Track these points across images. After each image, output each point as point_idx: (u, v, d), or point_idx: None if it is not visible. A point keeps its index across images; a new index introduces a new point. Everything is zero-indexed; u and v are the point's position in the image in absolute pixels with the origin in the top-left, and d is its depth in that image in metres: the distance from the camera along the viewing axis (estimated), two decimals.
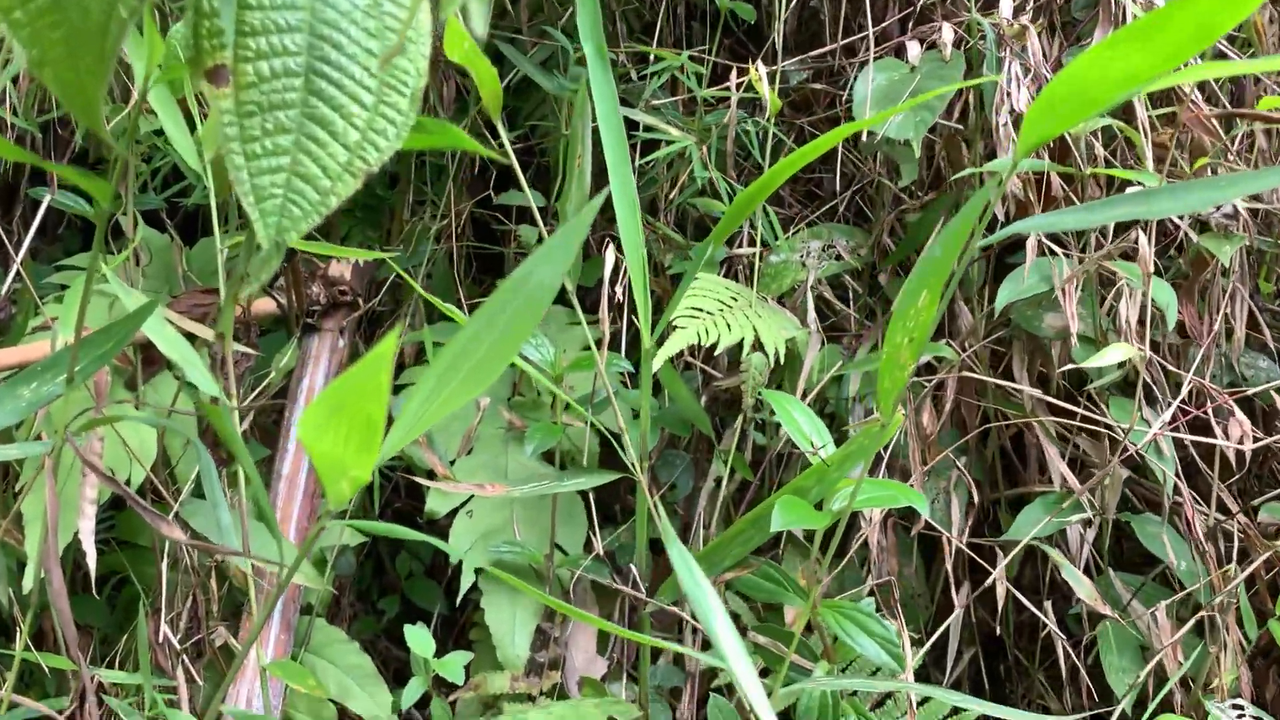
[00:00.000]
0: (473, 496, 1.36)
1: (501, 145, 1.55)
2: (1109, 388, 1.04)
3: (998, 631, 1.14)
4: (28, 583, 1.14)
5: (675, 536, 0.47)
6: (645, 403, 0.89)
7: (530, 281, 0.52)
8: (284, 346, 1.43)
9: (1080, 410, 0.99)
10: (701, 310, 1.12)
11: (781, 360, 1.11)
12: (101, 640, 1.31)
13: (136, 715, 1.15)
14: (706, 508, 1.29)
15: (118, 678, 1.17)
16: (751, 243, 1.35)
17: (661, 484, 1.34)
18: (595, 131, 0.92)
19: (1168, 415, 0.94)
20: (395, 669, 1.69)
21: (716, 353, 1.07)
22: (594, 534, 1.29)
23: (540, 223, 0.95)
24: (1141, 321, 1.00)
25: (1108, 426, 1.00)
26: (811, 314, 1.18)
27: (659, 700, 1.26)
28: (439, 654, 1.60)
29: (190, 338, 1.27)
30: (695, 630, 1.36)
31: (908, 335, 0.66)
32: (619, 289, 1.12)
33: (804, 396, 1.18)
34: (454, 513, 1.36)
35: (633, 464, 0.91)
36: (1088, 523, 1.10)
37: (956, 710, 0.98)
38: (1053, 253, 1.01)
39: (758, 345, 1.12)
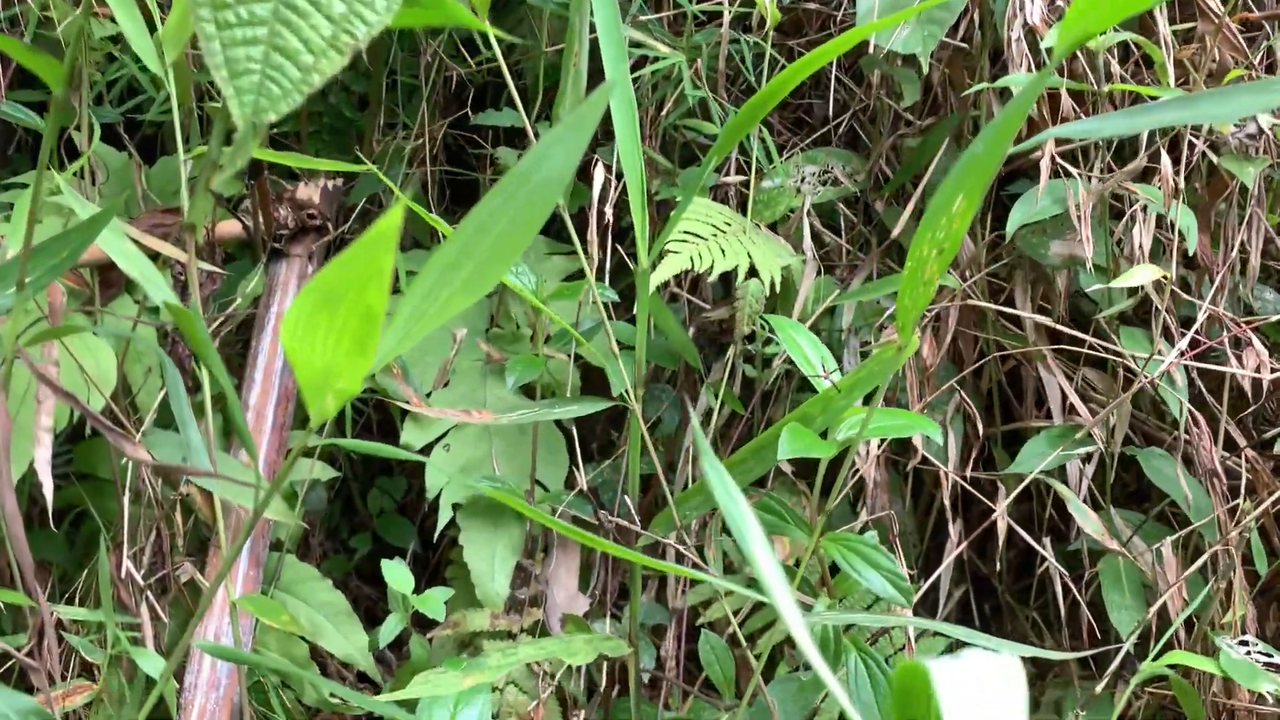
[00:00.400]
0: (450, 430, 1.31)
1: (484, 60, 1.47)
2: (1117, 318, 1.00)
3: (998, 568, 1.12)
4: None
5: (708, 448, 0.42)
6: (642, 326, 0.84)
7: (540, 170, 0.46)
8: (250, 273, 1.36)
9: (1089, 339, 0.95)
10: (694, 235, 1.07)
11: (778, 288, 1.06)
12: (60, 576, 1.26)
13: (99, 653, 1.10)
14: (693, 444, 1.25)
15: (78, 614, 1.11)
16: (741, 169, 1.30)
17: (647, 419, 1.29)
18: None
19: (1184, 344, 0.91)
20: (366, 608, 1.64)
21: (710, 279, 1.02)
22: (577, 469, 1.24)
23: (531, 135, 0.89)
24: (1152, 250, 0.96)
25: (1117, 355, 0.96)
26: (808, 240, 1.13)
27: (643, 637, 1.23)
28: (414, 593, 1.56)
29: (152, 258, 1.20)
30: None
31: (937, 246, 0.61)
32: (607, 210, 1.07)
33: None
34: (430, 446, 1.31)
35: (626, 392, 0.86)
36: (1086, 458, 1.07)
37: (958, 644, 0.95)
38: (1067, 174, 0.97)
39: (752, 273, 1.07)
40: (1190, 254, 0.91)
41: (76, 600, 1.17)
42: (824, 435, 0.81)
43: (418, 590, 1.57)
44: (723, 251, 1.05)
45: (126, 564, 1.13)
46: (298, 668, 1.21)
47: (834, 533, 0.81)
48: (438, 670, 0.71)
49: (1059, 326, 0.96)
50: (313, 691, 1.21)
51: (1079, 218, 0.90)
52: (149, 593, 1.13)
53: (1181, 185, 0.92)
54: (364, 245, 0.35)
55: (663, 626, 1.27)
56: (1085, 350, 1.01)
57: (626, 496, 0.87)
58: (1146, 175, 1.01)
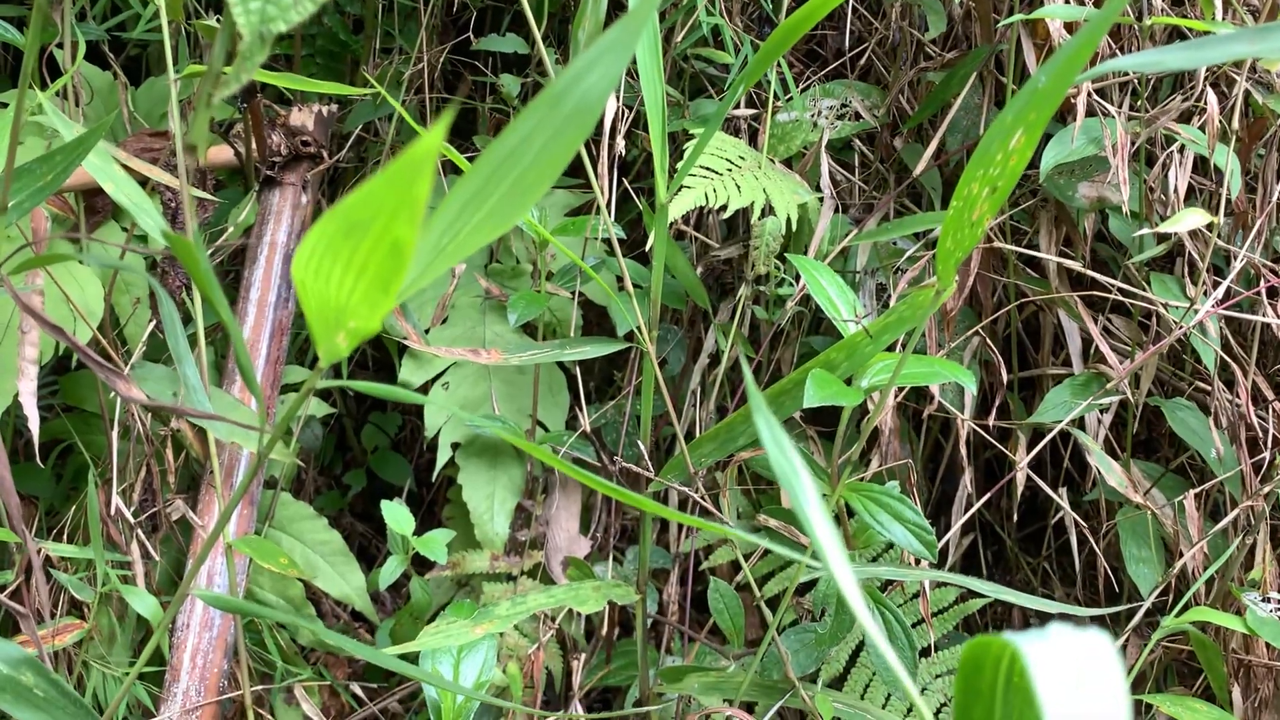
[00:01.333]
0: (449, 368, 1.28)
1: None
2: (1146, 264, 0.97)
3: (1009, 517, 1.10)
4: None
5: (753, 382, 0.39)
6: (659, 263, 0.80)
7: (577, 91, 0.42)
8: (241, 201, 1.31)
9: (1118, 284, 0.92)
10: (709, 170, 1.02)
11: (794, 226, 1.02)
12: (47, 510, 1.22)
13: (88, 590, 1.07)
14: (700, 386, 1.22)
15: (67, 551, 1.08)
16: (753, 102, 1.25)
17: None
18: None
19: (1220, 292, 0.87)
20: (360, 545, 1.62)
21: (726, 215, 0.98)
22: (579, 410, 1.21)
23: (548, 62, 0.84)
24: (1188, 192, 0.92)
25: (1146, 302, 0.93)
26: (825, 177, 1.08)
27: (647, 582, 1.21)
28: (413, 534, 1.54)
29: (141, 184, 1.15)
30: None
31: (989, 184, 0.58)
32: (619, 142, 1.02)
33: None
34: (429, 384, 1.28)
35: (638, 330, 0.83)
36: (1103, 408, 1.04)
37: (968, 596, 0.93)
38: (1104, 113, 0.93)
39: (768, 211, 1.03)
40: (1232, 199, 0.88)
41: (65, 537, 1.14)
42: (848, 382, 0.78)
43: (415, 531, 1.55)
44: (738, 187, 1.01)
45: (116, 500, 1.10)
46: (293, 608, 1.19)
47: (854, 483, 0.78)
48: (446, 620, 0.68)
49: (1087, 271, 0.93)
50: (307, 633, 1.19)
51: (1117, 159, 0.86)
52: (139, 530, 1.10)
53: (1227, 127, 0.88)
54: (396, 171, 0.31)
55: (664, 570, 1.25)
56: (1112, 296, 0.98)
57: (640, 443, 0.84)
58: (1181, 116, 0.97)
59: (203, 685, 1.06)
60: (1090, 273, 0.92)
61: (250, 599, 1.19)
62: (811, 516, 0.37)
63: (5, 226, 0.70)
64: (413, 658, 0.72)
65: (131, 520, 1.10)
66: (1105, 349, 0.91)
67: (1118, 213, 1.00)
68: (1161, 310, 0.90)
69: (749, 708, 0.89)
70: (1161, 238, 0.92)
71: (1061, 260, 0.94)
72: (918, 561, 0.94)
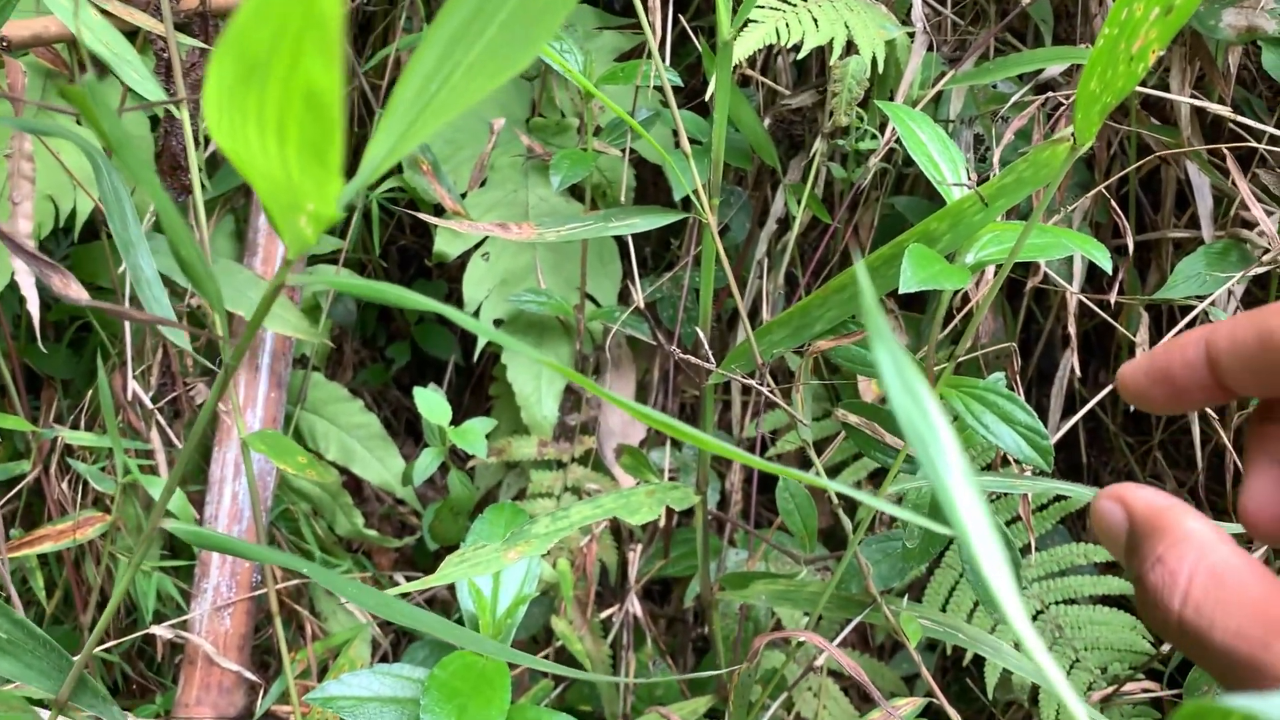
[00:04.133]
0: (489, 237, 1.16)
1: None
2: None
3: (1131, 408, 0.97)
4: None
5: (874, 298, 0.26)
6: (722, 112, 0.66)
7: None
8: None
9: (1271, 129, 0.76)
10: (780, 1, 0.87)
11: (880, 67, 0.87)
12: (66, 393, 1.15)
13: (108, 481, 1.00)
14: (768, 255, 1.09)
15: (85, 439, 1.00)
16: None
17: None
18: None
19: None
20: (407, 421, 1.54)
21: (801, 55, 0.83)
22: (632, 283, 1.09)
23: None
24: None
25: None
26: (917, 7, 0.92)
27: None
28: (455, 409, 1.45)
29: (132, 37, 1.03)
30: (745, 400, 1.19)
31: (1162, 5, 0.43)
32: None
33: None
34: (467, 255, 1.17)
35: (695, 195, 0.70)
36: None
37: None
38: None
39: (850, 48, 0.87)
40: None
41: (83, 423, 1.06)
42: (949, 258, 0.65)
43: (458, 407, 1.46)
44: (815, 21, 0.85)
45: (133, 385, 1.01)
46: (329, 495, 1.12)
47: (955, 378, 0.66)
48: (475, 545, 0.58)
49: (1235, 116, 0.77)
50: (345, 522, 1.11)
51: None
52: (159, 416, 1.02)
53: None
54: None
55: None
56: (1263, 147, 0.82)
57: (698, 329, 0.72)
58: None
59: (234, 580, 1.00)
60: (1240, 117, 0.76)
61: (284, 487, 1.11)
62: (960, 505, 0.25)
63: None
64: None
65: (150, 405, 1.02)
66: (1258, 210, 0.77)
67: (1274, 45, 0.83)
68: None
69: (815, 622, 0.79)
70: None
71: (1206, 103, 0.78)
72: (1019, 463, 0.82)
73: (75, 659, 0.51)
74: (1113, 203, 0.83)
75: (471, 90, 0.36)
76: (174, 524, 0.47)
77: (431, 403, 0.91)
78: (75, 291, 0.45)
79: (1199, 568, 0.31)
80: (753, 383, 0.70)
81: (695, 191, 0.69)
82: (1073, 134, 0.53)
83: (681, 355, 0.71)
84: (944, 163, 0.65)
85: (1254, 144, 0.81)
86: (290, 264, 0.42)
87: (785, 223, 1.11)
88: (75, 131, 0.51)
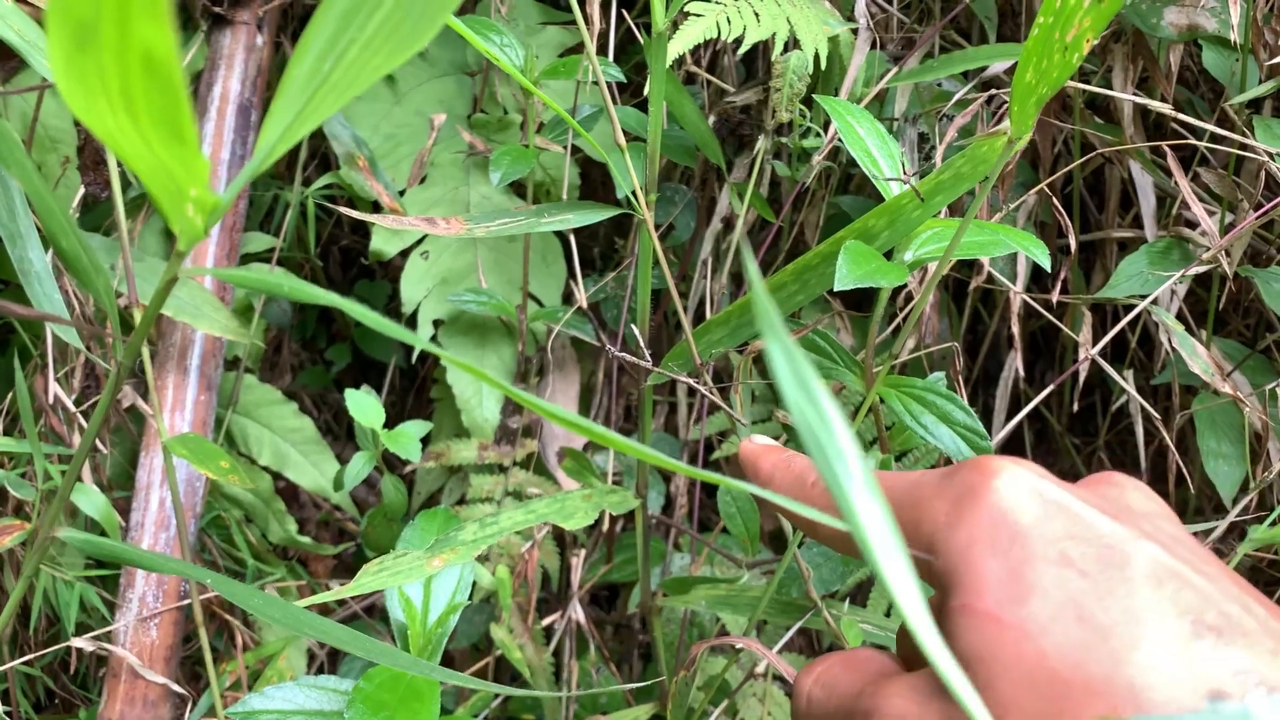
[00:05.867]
0: (429, 235, 1.13)
1: None
2: (1247, 107, 0.81)
3: (1075, 407, 0.96)
4: None
5: (757, 269, 0.25)
6: (656, 107, 0.64)
7: None
8: (187, 43, 1.14)
9: (1212, 127, 0.75)
10: None
11: (823, 63, 0.85)
12: None
13: (28, 488, 0.96)
14: (712, 254, 1.07)
15: (2, 444, 0.97)
16: None
17: (658, 225, 1.11)
18: None
19: None
20: (348, 425, 1.51)
21: (742, 50, 0.82)
22: (575, 283, 1.07)
23: None
24: None
25: (1244, 150, 0.77)
26: (861, 4, 0.91)
27: (651, 475, 1.09)
28: (399, 412, 1.42)
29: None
30: (690, 402, 1.17)
31: None
32: None
33: None
34: (408, 254, 1.14)
35: (633, 195, 0.68)
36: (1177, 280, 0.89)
37: None
38: None
39: (793, 43, 0.86)
40: None
41: (2, 428, 1.02)
42: (888, 255, 0.63)
43: (402, 415, 1.42)
44: (755, 16, 0.84)
45: (54, 388, 0.98)
46: (261, 501, 1.08)
47: (894, 377, 0.64)
48: (398, 553, 0.56)
49: (1176, 114, 0.76)
50: (278, 529, 1.08)
51: None
52: (81, 419, 0.98)
53: None
54: None
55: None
56: (1204, 145, 0.82)
57: (634, 326, 0.70)
58: None
59: (160, 590, 0.96)
60: (1182, 115, 0.76)
61: (215, 493, 1.08)
62: (859, 507, 0.24)
63: None
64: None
65: (72, 409, 0.98)
66: (1199, 210, 0.76)
67: (1214, 44, 0.82)
68: (1268, 161, 0.74)
69: (760, 627, 0.78)
70: (1273, 72, 0.75)
71: (1148, 101, 0.77)
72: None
73: None
74: (1055, 200, 0.82)
75: (370, 68, 0.34)
76: (67, 532, 0.44)
77: (363, 405, 0.89)
78: None
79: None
80: (693, 382, 0.68)
81: (632, 191, 0.68)
82: (1009, 127, 0.52)
83: (620, 355, 0.69)
84: (882, 158, 0.64)
85: (1196, 143, 0.81)
86: (182, 255, 0.40)
87: (730, 222, 1.10)
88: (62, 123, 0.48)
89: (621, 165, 1.01)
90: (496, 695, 1.02)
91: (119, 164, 0.86)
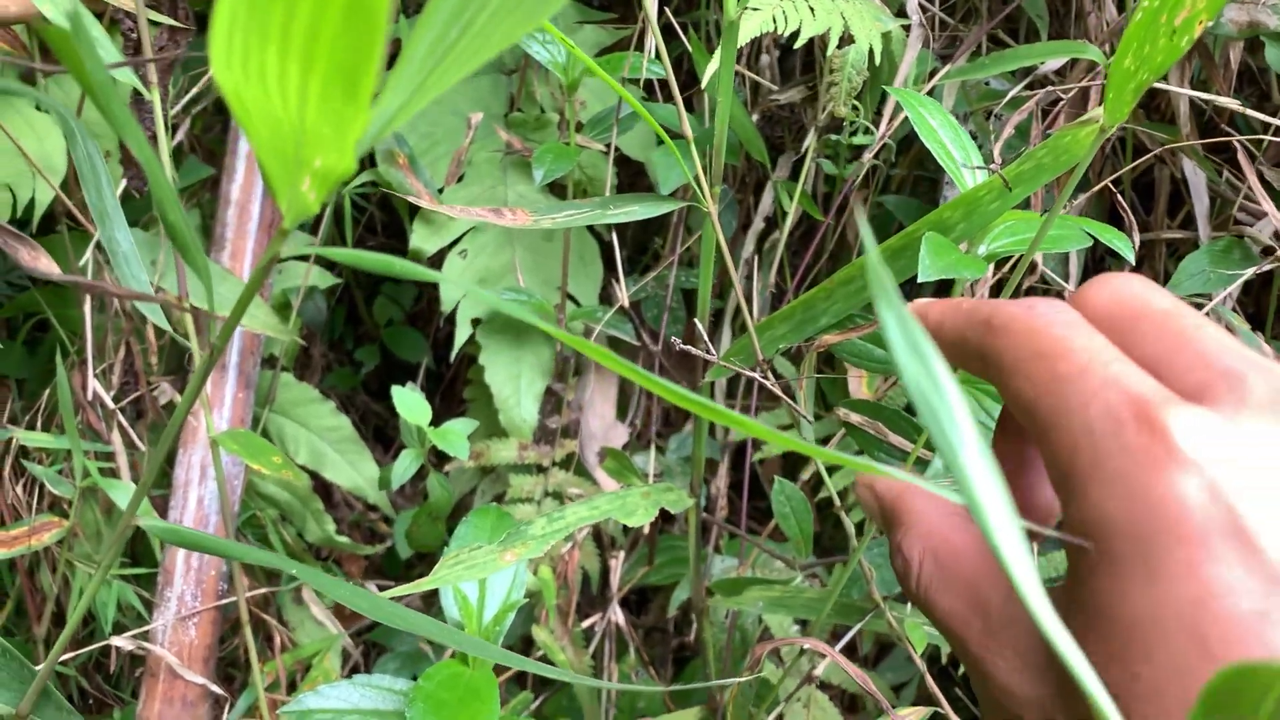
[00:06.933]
0: (467, 234, 1.12)
1: None
2: None
3: None
4: None
5: (873, 238, 0.24)
6: (726, 94, 0.63)
7: None
8: None
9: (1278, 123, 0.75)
10: None
11: (878, 59, 0.85)
12: (20, 393, 1.09)
13: (65, 484, 0.95)
14: (755, 254, 1.06)
15: (41, 441, 0.95)
16: None
17: (698, 223, 1.10)
18: None
19: None
20: (375, 426, 1.50)
21: (799, 43, 0.81)
22: (617, 282, 1.06)
23: None
24: None
25: None
26: (913, 1, 0.90)
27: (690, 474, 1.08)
28: (430, 423, 1.41)
29: (98, 16, 0.98)
30: (730, 404, 1.16)
31: None
32: None
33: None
34: (443, 254, 1.13)
35: (696, 182, 0.67)
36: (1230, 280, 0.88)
37: None
38: None
39: (847, 38, 0.85)
40: None
41: (39, 424, 1.01)
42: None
43: (435, 415, 1.42)
44: (811, 10, 0.83)
45: (93, 384, 0.97)
46: (299, 501, 1.07)
47: (962, 374, 0.63)
48: (469, 546, 0.55)
49: (1244, 109, 0.76)
50: (316, 528, 1.07)
51: None
52: (120, 416, 0.97)
53: None
54: None
55: (711, 460, 1.12)
56: (1269, 138, 0.81)
57: (697, 321, 0.69)
58: None
59: (199, 589, 0.95)
60: (1251, 112, 0.75)
61: (251, 492, 1.07)
62: (972, 475, 0.23)
63: None
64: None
65: (111, 405, 0.97)
66: (1269, 207, 0.75)
67: (1275, 40, 0.82)
68: None
69: (801, 629, 0.77)
70: None
71: (1213, 97, 0.77)
72: None
73: (38, 669, 0.47)
74: (1119, 198, 0.81)
75: (499, 34, 0.33)
76: (148, 521, 0.43)
77: (410, 403, 0.88)
78: (45, 265, 0.41)
79: (925, 551, 0.32)
80: (755, 375, 0.67)
81: (696, 177, 0.67)
82: (1101, 115, 0.51)
83: (681, 347, 0.68)
84: (955, 149, 0.63)
85: (1261, 137, 0.80)
86: (285, 234, 0.38)
87: (772, 221, 1.09)
88: (47, 98, 0.47)
89: (670, 160, 1.00)
90: (535, 698, 1.00)
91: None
